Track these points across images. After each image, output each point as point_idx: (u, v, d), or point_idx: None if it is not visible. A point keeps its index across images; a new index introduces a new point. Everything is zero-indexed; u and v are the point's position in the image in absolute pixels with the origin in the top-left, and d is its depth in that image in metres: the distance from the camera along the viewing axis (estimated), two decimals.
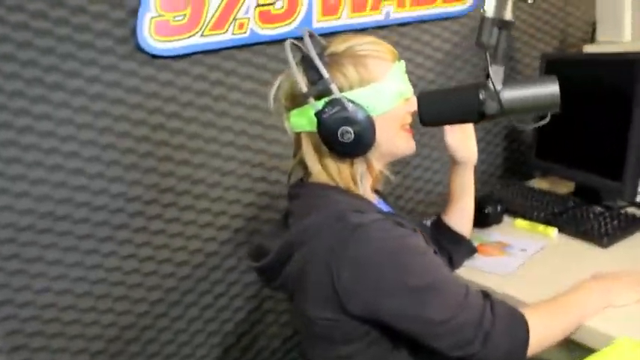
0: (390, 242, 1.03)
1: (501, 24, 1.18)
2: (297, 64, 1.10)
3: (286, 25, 1.62)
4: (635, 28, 2.01)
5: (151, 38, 1.44)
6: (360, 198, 1.14)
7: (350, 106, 1.05)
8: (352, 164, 1.13)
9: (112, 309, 1.54)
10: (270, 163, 1.70)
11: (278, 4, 1.59)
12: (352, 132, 1.06)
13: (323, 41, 1.17)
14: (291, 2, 1.61)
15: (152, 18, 1.43)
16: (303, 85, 1.07)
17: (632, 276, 1.25)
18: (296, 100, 1.13)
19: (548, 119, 1.23)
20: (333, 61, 1.10)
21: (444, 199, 1.49)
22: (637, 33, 2.02)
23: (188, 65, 1.53)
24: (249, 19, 1.55)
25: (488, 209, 1.63)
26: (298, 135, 1.16)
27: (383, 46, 1.15)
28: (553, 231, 1.59)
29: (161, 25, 1.45)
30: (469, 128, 1.34)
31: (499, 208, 1.67)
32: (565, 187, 1.91)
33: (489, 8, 1.18)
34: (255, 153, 1.67)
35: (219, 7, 1.51)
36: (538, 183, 2.05)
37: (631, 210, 1.64)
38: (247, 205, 1.69)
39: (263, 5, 1.57)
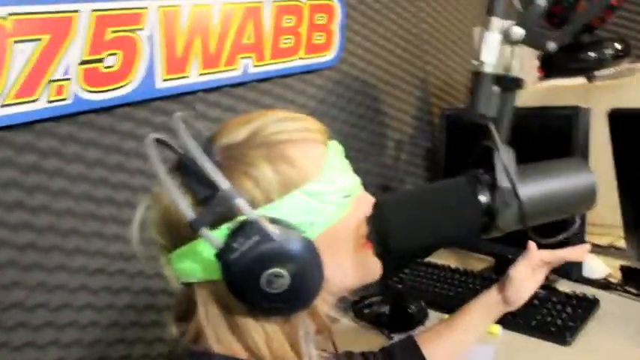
0: None
1: (507, 83, 0.84)
2: (170, 173, 0.68)
3: (121, 87, 1.24)
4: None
5: None
6: None
7: (274, 230, 0.63)
8: (288, 321, 0.70)
9: None
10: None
11: (109, 61, 1.21)
12: (286, 275, 0.63)
13: (204, 130, 0.76)
14: (126, 58, 1.24)
15: None
16: (185, 207, 0.63)
17: None
18: (177, 234, 0.68)
19: (578, 225, 0.87)
20: (233, 158, 0.68)
21: None
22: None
23: None
24: (70, 80, 1.16)
25: (412, 307, 1.30)
26: (188, 286, 0.71)
27: (306, 122, 0.73)
28: (497, 329, 1.31)
29: None
30: (538, 263, 1.05)
31: (422, 303, 1.34)
32: (477, 262, 1.68)
33: (488, 59, 0.83)
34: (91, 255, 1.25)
35: (26, 64, 1.10)
36: (443, 257, 1.75)
37: (579, 290, 1.43)
38: (87, 326, 1.25)
39: (89, 62, 1.18)
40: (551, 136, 1.42)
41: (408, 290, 1.49)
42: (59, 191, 1.20)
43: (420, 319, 1.34)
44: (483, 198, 0.79)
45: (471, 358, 1.21)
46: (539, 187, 0.80)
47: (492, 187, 0.79)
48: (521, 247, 1.41)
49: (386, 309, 1.36)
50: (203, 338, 0.69)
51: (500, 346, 1.28)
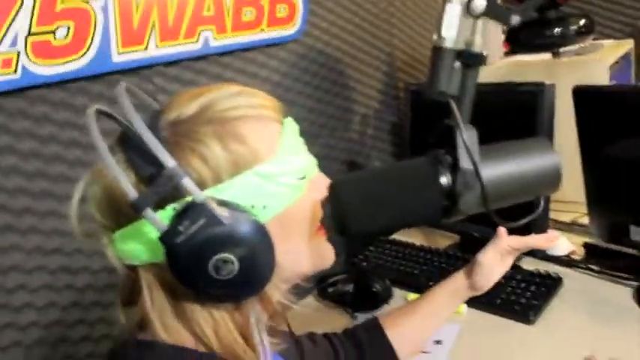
0: None
1: (469, 59, 0.79)
2: (112, 149, 0.64)
3: (74, 60, 1.18)
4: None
5: None
6: None
7: (223, 213, 0.60)
8: (238, 308, 0.67)
9: None
10: None
11: (60, 33, 1.15)
12: (235, 260, 0.60)
13: (154, 102, 0.72)
14: (79, 29, 1.18)
15: None
16: (127, 185, 0.59)
17: None
18: (120, 214, 0.65)
19: (541, 208, 0.83)
20: (181, 134, 0.64)
21: None
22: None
23: None
24: (18, 53, 1.10)
25: (377, 286, 1.29)
26: (132, 269, 0.67)
27: (261, 98, 0.69)
28: (462, 308, 1.30)
29: None
30: (507, 249, 1.06)
31: (387, 281, 1.32)
32: (442, 239, 1.68)
33: (449, 34, 0.78)
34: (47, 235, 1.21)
35: None
36: (407, 234, 1.75)
37: (543, 267, 1.43)
38: (45, 307, 1.21)
39: (38, 34, 1.12)
40: (515, 113, 1.41)
41: (372, 268, 1.47)
42: (10, 169, 1.14)
43: (384, 298, 1.33)
44: (444, 180, 0.75)
45: (436, 337, 1.22)
46: (502, 169, 0.77)
47: (454, 168, 0.75)
48: (487, 225, 1.40)
49: (350, 287, 1.35)
50: (149, 325, 0.66)
51: (465, 325, 1.29)
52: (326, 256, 0.75)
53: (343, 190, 0.75)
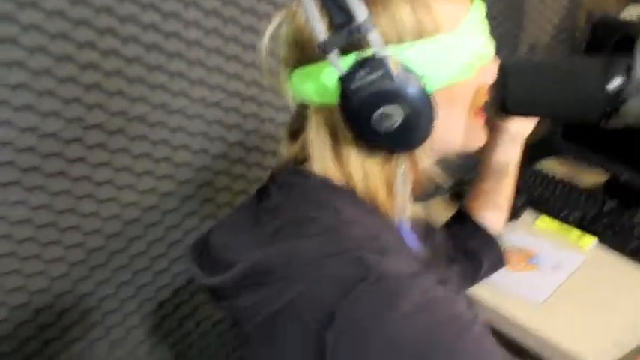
0: (436, 318, 0.60)
1: None
2: None
3: None
4: None
5: None
6: (382, 216, 0.74)
7: (399, 71, 0.64)
8: (388, 162, 0.73)
9: (19, 270, 1.21)
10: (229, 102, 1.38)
11: None
12: (398, 116, 0.65)
13: None
14: None
15: None
16: (320, 28, 0.65)
17: None
18: (304, 54, 0.71)
19: None
20: None
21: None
22: None
23: None
24: None
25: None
26: (303, 107, 0.76)
27: None
28: (592, 241, 1.29)
29: None
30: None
31: (522, 199, 1.34)
32: (588, 177, 1.62)
33: None
34: (211, 89, 1.35)
35: None
36: (550, 165, 1.72)
37: None
38: (198, 152, 1.38)
39: None
40: None
41: None
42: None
43: (512, 215, 1.33)
44: (613, 82, 0.74)
45: (557, 261, 1.22)
46: None
47: (627, 75, 0.73)
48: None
49: None
50: (308, 159, 0.75)
51: (590, 257, 1.28)
52: (477, 139, 0.80)
53: (510, 70, 0.78)
